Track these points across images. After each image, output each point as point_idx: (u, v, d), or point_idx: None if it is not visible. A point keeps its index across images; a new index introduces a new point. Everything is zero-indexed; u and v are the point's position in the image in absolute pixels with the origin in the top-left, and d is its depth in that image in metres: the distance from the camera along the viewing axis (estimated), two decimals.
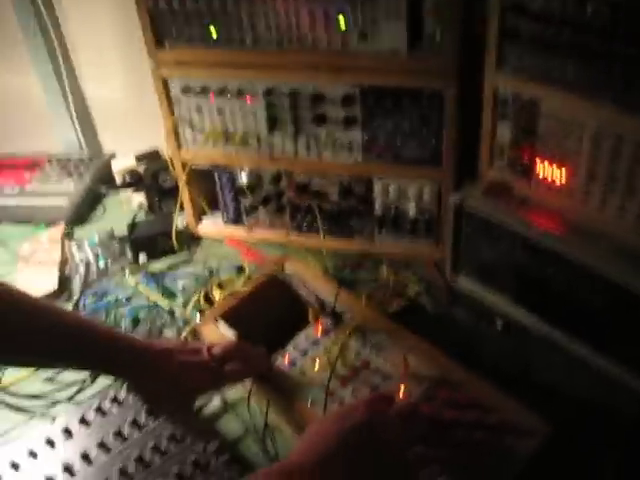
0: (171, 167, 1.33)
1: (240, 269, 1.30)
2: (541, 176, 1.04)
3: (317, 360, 0.96)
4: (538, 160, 1.03)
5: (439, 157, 1.15)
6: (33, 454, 0.97)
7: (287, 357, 0.98)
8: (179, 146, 1.31)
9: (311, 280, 1.06)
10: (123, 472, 0.92)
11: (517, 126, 1.02)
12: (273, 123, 1.21)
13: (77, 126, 1.76)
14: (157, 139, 1.41)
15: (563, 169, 1.00)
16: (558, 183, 1.02)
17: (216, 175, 1.32)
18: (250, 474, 0.70)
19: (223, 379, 0.94)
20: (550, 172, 1.03)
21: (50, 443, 0.98)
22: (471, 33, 1.03)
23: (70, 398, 1.08)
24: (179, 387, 0.91)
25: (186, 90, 1.23)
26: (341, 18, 1.06)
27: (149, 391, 0.93)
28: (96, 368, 0.97)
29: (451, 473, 0.79)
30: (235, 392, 1.02)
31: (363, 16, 1.04)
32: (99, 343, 0.90)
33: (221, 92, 1.21)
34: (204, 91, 1.22)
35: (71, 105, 1.73)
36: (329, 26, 1.07)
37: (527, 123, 1.01)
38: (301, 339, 1.01)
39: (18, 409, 1.07)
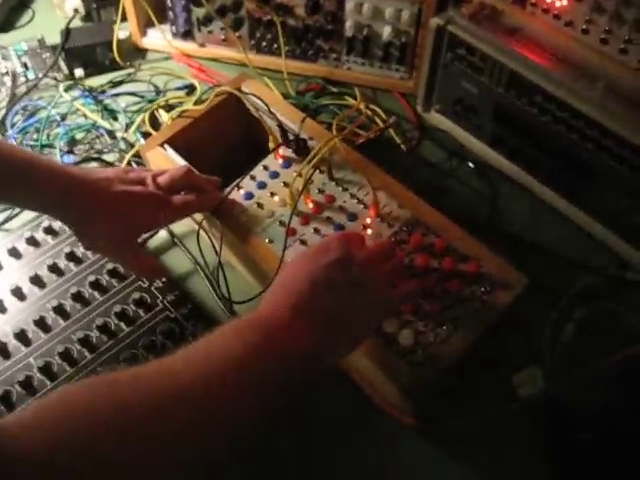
0: None
1: (190, 89, 1.17)
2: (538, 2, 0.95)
3: (276, 194, 0.86)
4: None
5: None
6: None
7: (242, 189, 0.87)
8: None
9: (274, 104, 0.93)
10: (59, 310, 0.84)
11: None
12: None
13: None
14: None
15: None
16: (557, 11, 0.94)
17: None
18: (217, 327, 0.60)
19: (171, 212, 0.82)
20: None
21: None
22: None
23: None
24: (121, 221, 0.78)
25: None
26: None
27: (86, 228, 0.78)
28: (32, 203, 0.79)
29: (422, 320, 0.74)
30: (183, 224, 0.93)
31: None
32: (36, 174, 0.75)
33: None
34: None
35: None
36: None
37: None
38: (258, 170, 0.89)
39: None
